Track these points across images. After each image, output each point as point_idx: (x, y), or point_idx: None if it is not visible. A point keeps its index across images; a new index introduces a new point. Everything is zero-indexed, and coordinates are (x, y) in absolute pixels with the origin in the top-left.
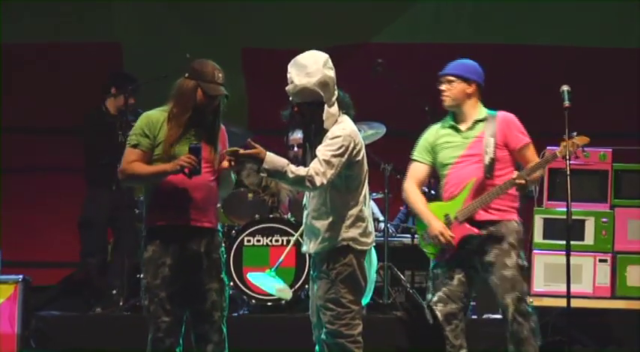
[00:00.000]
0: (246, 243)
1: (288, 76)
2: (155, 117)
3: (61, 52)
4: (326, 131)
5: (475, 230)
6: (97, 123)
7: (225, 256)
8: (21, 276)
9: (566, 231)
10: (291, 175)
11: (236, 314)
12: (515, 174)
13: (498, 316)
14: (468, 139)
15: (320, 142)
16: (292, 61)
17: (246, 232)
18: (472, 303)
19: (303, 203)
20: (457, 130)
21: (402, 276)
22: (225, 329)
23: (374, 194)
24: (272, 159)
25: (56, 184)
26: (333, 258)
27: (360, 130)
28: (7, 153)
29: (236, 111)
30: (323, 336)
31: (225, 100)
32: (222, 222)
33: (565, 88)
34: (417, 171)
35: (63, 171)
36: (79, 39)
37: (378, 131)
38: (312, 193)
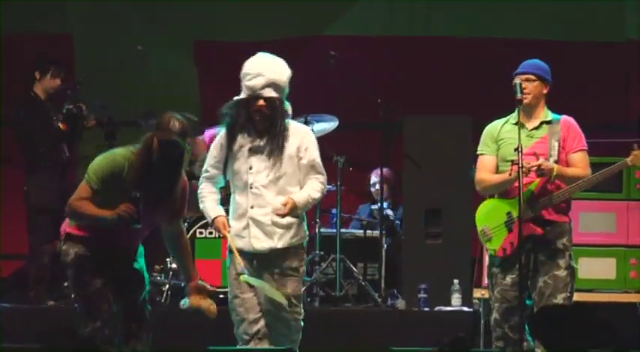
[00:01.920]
0: (198, 235)
1: (254, 70)
2: (122, 163)
3: (12, 43)
4: (287, 126)
5: (539, 230)
6: (28, 110)
7: (145, 264)
8: None
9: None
10: (318, 195)
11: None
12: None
13: (450, 308)
14: (533, 139)
15: (282, 136)
16: (258, 57)
17: (199, 224)
18: (424, 296)
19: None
20: (522, 127)
21: (355, 269)
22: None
23: (328, 186)
24: (301, 202)
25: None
26: (299, 255)
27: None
28: None
29: (188, 103)
30: (285, 330)
31: (187, 153)
32: None
33: (517, 81)
34: (485, 163)
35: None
36: (30, 30)
37: (330, 124)
38: (272, 192)
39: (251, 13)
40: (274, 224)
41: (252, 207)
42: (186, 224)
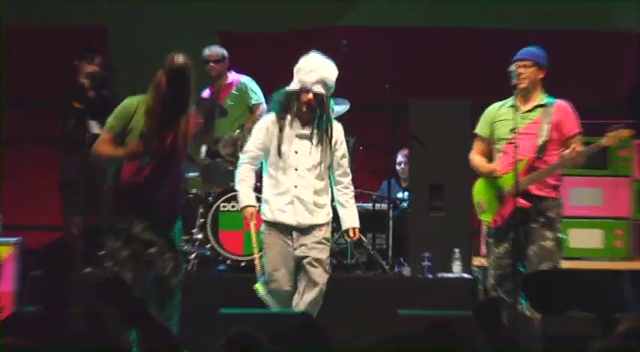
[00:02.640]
0: (221, 209)
1: (308, 67)
2: (135, 101)
3: (48, 34)
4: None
5: (526, 203)
6: (69, 94)
7: (181, 231)
8: (18, 238)
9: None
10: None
11: (215, 273)
12: (562, 156)
13: (451, 275)
14: (526, 120)
15: (325, 128)
16: (313, 55)
17: (222, 199)
18: (427, 264)
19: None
20: (517, 110)
21: (364, 239)
22: (178, 296)
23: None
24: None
25: (41, 153)
26: (330, 228)
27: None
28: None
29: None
30: (315, 295)
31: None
32: (201, 189)
33: (513, 67)
34: (478, 144)
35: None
36: (66, 22)
37: (342, 107)
38: (313, 175)
39: (270, 5)
40: (315, 204)
41: (295, 187)
42: (210, 198)
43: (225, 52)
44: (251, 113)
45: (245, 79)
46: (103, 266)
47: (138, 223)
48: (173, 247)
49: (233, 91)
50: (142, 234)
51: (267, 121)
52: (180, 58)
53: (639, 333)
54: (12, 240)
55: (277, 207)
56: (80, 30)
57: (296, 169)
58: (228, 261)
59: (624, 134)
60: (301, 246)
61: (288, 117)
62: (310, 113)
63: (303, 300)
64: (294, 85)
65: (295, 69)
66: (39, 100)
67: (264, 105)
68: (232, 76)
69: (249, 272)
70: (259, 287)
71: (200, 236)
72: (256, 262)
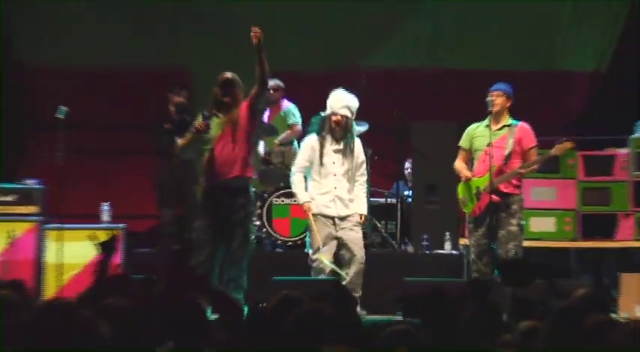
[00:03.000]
0: (274, 202)
1: (337, 97)
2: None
3: (140, 77)
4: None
5: (496, 198)
6: (161, 118)
7: (253, 212)
8: (123, 225)
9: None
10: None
11: (269, 250)
12: (520, 165)
13: (444, 251)
14: (496, 136)
15: (351, 143)
16: (339, 91)
17: (275, 195)
18: (426, 243)
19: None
20: (490, 129)
21: (379, 224)
22: (245, 263)
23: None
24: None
25: (138, 162)
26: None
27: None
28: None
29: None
30: (358, 268)
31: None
32: (258, 188)
33: (488, 98)
34: (461, 154)
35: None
36: (155, 66)
37: (363, 127)
38: (345, 179)
39: (305, 47)
40: (349, 200)
41: (335, 188)
42: (265, 194)
43: (280, 84)
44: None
45: (290, 105)
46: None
47: (218, 206)
48: (244, 225)
49: (280, 113)
50: (221, 217)
51: (311, 141)
52: (227, 72)
53: (592, 297)
54: (120, 225)
55: (322, 204)
56: (171, 70)
57: (334, 175)
58: (279, 242)
59: (568, 146)
60: (342, 229)
61: (325, 136)
62: (340, 131)
63: (350, 272)
64: (327, 112)
65: (328, 100)
66: (140, 124)
67: (299, 126)
68: (285, 103)
69: (295, 249)
70: (322, 256)
71: (258, 223)
72: (315, 233)
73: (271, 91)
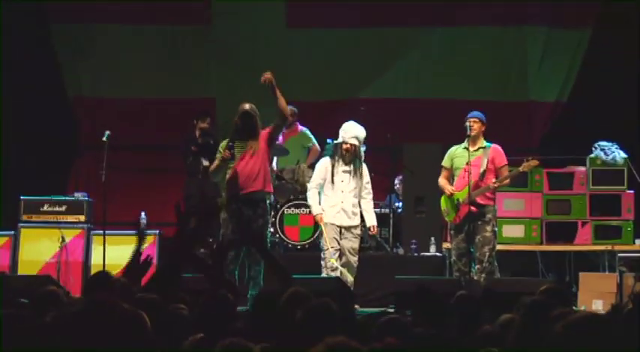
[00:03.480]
0: (285, 212)
1: (347, 128)
2: (224, 142)
3: (165, 105)
4: (361, 161)
5: (473, 208)
6: (188, 141)
7: (269, 221)
8: (158, 231)
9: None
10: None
11: (281, 252)
12: (494, 180)
13: (429, 254)
14: (473, 156)
15: (359, 168)
16: (350, 121)
17: (286, 206)
18: (414, 247)
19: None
20: (467, 150)
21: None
22: (262, 263)
23: None
24: (375, 222)
25: (170, 179)
26: (361, 227)
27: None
28: (143, 162)
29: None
30: (352, 272)
31: (250, 120)
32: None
33: (467, 123)
34: (443, 172)
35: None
36: (183, 95)
37: (363, 148)
38: (351, 194)
39: (314, 81)
40: (353, 213)
41: (342, 202)
42: (278, 205)
43: (295, 110)
44: (307, 152)
45: (305, 129)
46: (211, 247)
47: (239, 217)
48: (262, 231)
49: (295, 136)
50: (242, 224)
51: (325, 163)
52: (245, 104)
53: (555, 291)
54: (155, 231)
55: (331, 214)
56: (197, 100)
57: (342, 191)
58: (289, 245)
59: (534, 164)
60: (344, 238)
61: (337, 159)
62: (349, 157)
63: (347, 275)
64: (339, 139)
65: (340, 130)
66: (172, 146)
67: (317, 146)
68: (299, 127)
69: (303, 252)
70: (333, 260)
71: (272, 229)
72: (327, 240)
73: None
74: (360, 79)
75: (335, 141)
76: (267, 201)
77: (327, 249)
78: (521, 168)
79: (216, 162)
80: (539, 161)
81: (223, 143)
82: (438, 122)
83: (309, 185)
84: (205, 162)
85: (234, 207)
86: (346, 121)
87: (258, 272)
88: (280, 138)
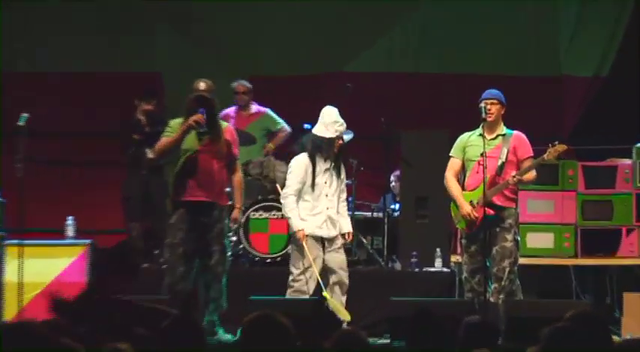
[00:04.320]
0: (251, 217)
1: (340, 120)
2: (178, 120)
3: (110, 80)
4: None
5: (491, 211)
6: (130, 127)
7: (228, 227)
8: (89, 240)
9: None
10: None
11: (247, 268)
12: (513, 173)
13: (434, 269)
14: (491, 146)
15: (339, 164)
16: (336, 110)
17: (252, 208)
18: (415, 260)
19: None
20: (483, 138)
21: (364, 240)
22: (225, 280)
23: (346, 181)
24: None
25: (106, 174)
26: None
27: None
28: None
29: None
30: (344, 291)
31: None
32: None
33: (482, 105)
34: (454, 164)
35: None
36: (127, 69)
37: (348, 136)
38: (335, 198)
39: (289, 52)
40: (337, 220)
41: (327, 208)
42: (243, 207)
43: (251, 86)
44: (272, 136)
45: (269, 110)
46: (157, 261)
47: (191, 223)
48: (220, 242)
49: (259, 119)
50: (194, 233)
51: (303, 161)
52: (200, 82)
53: (588, 317)
54: (86, 241)
55: (314, 224)
56: (140, 77)
57: (326, 195)
58: (256, 258)
59: (561, 149)
60: (329, 252)
61: (315, 156)
62: (337, 154)
63: (338, 295)
64: (329, 133)
65: (331, 121)
66: (105, 132)
67: (287, 128)
68: (256, 107)
69: (274, 266)
70: (326, 294)
71: (234, 238)
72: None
73: (241, 95)
74: (345, 50)
75: (321, 135)
76: (227, 220)
77: (301, 270)
78: (545, 156)
79: (171, 138)
80: (570, 148)
81: (176, 120)
82: (446, 103)
83: (284, 191)
84: (151, 155)
85: (184, 211)
86: (328, 103)
87: (220, 292)
88: (233, 122)
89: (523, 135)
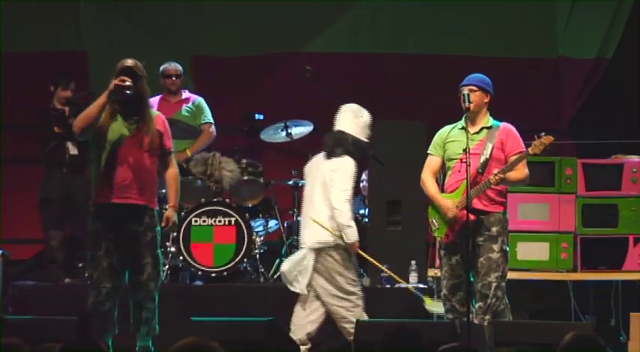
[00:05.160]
0: (193, 223)
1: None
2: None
3: (32, 59)
4: None
5: (472, 217)
6: (48, 118)
7: (161, 235)
8: (1, 250)
9: (467, 217)
10: None
11: (187, 283)
12: (496, 170)
13: (407, 285)
14: (474, 141)
15: None
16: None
17: (194, 213)
18: (385, 275)
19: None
20: (466, 131)
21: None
22: (157, 298)
23: (304, 181)
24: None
25: (21, 172)
26: None
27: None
28: None
29: None
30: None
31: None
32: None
33: (465, 91)
34: (432, 163)
35: (28, 161)
36: (50, 48)
37: (306, 128)
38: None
39: (239, 31)
40: None
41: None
42: (182, 213)
43: (180, 68)
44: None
45: (201, 99)
46: (82, 276)
47: (118, 231)
48: (152, 253)
49: (189, 106)
50: (122, 243)
51: (354, 166)
52: (128, 60)
53: (582, 342)
54: None
55: None
56: (62, 55)
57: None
58: (200, 272)
59: (547, 141)
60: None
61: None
62: None
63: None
64: (364, 137)
65: (366, 124)
66: (20, 124)
67: (214, 127)
68: (187, 94)
69: (219, 281)
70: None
71: (173, 249)
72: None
73: (173, 78)
74: (304, 27)
75: (361, 137)
76: (158, 230)
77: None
78: (530, 150)
79: (91, 106)
80: (554, 137)
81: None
82: (424, 89)
83: (341, 195)
84: (73, 150)
85: (108, 216)
86: (281, 88)
87: (153, 313)
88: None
89: (512, 128)
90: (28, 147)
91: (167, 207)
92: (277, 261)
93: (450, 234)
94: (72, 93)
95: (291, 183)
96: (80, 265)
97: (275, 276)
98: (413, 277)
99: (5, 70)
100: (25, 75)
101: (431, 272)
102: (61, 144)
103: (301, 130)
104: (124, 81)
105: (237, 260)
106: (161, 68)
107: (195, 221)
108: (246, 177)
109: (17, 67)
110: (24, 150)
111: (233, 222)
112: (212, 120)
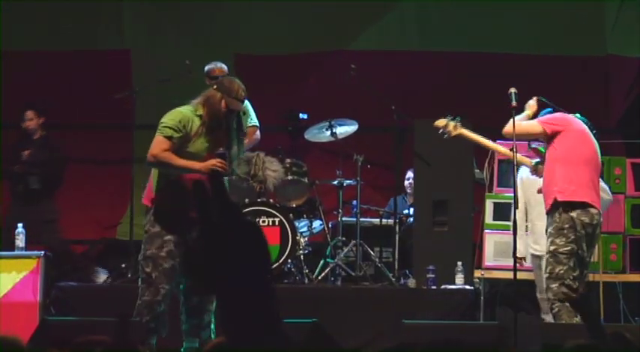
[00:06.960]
0: None
1: None
2: (188, 115)
3: (77, 58)
4: None
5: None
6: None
7: None
8: (42, 252)
9: (512, 213)
10: None
11: None
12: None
13: (454, 286)
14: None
15: None
16: None
17: None
18: (432, 276)
19: None
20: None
21: (372, 252)
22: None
23: (348, 181)
24: None
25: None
26: None
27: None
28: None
29: None
30: None
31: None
32: None
33: (512, 90)
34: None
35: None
36: (93, 47)
37: (351, 127)
38: None
39: (283, 29)
40: None
41: None
42: None
43: (225, 68)
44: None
45: (247, 101)
46: (125, 277)
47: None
48: None
49: None
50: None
51: None
52: (242, 95)
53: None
54: (36, 253)
55: None
56: (105, 54)
57: None
58: None
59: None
60: None
61: None
62: None
63: None
64: None
65: None
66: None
67: (258, 131)
68: None
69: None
70: None
71: None
72: None
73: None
74: (348, 26)
75: None
76: None
77: None
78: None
79: (188, 163)
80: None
81: (184, 113)
82: (471, 87)
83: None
84: (35, 185)
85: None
86: (325, 88)
87: (212, 317)
88: None
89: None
90: (88, 147)
91: None
92: (321, 261)
93: None
94: (33, 122)
95: (335, 183)
96: (123, 266)
97: (319, 277)
98: (459, 278)
99: (49, 68)
100: (71, 74)
101: (477, 274)
102: (22, 180)
103: (346, 129)
104: (221, 168)
105: (281, 261)
106: (206, 68)
107: None
108: (290, 177)
109: (61, 65)
110: (84, 150)
111: (277, 223)
112: (258, 124)
